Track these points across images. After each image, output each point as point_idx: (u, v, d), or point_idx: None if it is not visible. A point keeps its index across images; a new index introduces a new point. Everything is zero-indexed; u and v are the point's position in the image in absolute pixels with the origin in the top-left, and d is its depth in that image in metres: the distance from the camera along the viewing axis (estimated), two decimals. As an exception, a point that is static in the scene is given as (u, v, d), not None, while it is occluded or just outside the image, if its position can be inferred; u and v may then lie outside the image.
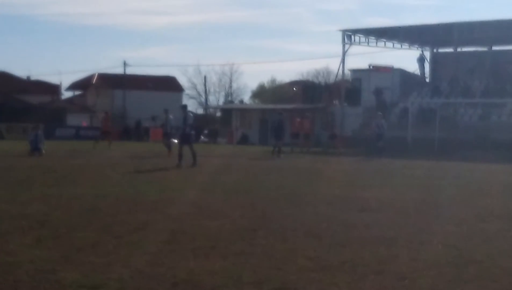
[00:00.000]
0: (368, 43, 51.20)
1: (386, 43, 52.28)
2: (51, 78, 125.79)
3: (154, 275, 6.88)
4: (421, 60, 52.61)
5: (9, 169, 20.13)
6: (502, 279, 7.16)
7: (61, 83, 76.38)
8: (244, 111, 61.59)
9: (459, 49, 51.21)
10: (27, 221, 10.01)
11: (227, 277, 6.86)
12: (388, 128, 43.70)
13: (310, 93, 56.71)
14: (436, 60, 52.86)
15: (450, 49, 52.42)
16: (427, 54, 53.50)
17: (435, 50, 53.56)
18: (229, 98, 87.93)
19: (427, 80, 53.04)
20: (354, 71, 54.26)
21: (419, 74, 53.13)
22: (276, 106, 59.61)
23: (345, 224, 10.56)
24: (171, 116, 30.55)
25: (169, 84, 76.41)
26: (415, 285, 6.82)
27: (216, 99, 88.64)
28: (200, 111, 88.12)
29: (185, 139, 22.34)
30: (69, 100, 75.97)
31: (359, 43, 50.58)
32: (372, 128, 34.84)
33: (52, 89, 71.80)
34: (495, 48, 50.95)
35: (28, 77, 73.97)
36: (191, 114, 23.39)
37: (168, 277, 6.82)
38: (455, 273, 7.37)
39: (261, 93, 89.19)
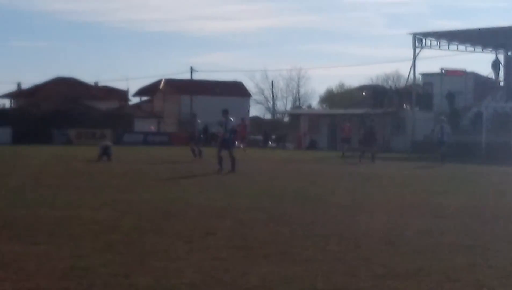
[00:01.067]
0: (439, 47, 50.33)
1: (458, 46, 51.31)
2: (118, 84, 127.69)
3: (226, 281, 6.82)
4: (495, 64, 51.44)
5: (79, 175, 20.42)
6: None
7: (128, 89, 77.35)
8: (312, 116, 61.34)
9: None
10: (98, 226, 10.10)
11: (301, 284, 6.76)
12: (461, 133, 42.95)
13: (379, 97, 56.04)
14: (510, 63, 51.60)
15: (525, 52, 51.15)
16: (501, 57, 52.28)
17: (509, 53, 52.30)
18: (297, 103, 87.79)
19: (502, 83, 51.83)
20: (425, 75, 53.43)
21: (493, 77, 51.98)
22: (346, 111, 59.15)
23: (420, 230, 10.33)
24: (199, 121, 30.70)
25: (236, 90, 76.69)
26: (494, 294, 6.60)
27: (284, 104, 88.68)
28: (268, 116, 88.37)
29: (225, 144, 22.20)
30: (137, 106, 76.93)
31: (430, 46, 49.75)
32: (435, 133, 34.20)
33: (120, 95, 72.75)
34: None
35: (96, 83, 75.11)
36: (232, 119, 23.35)
37: (240, 283, 6.75)
38: (536, 282, 7.11)
39: (329, 98, 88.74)
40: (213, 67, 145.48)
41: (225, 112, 23.43)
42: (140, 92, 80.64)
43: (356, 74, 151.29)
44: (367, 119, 39.82)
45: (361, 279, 7.03)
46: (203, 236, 9.42)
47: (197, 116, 31.38)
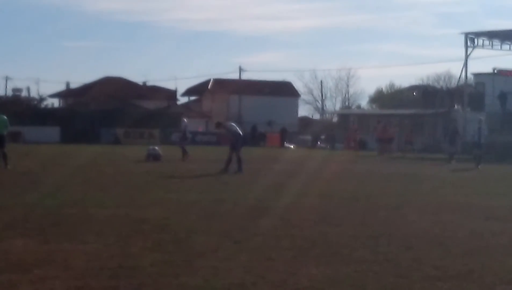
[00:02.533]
0: (492, 46, 49.57)
1: (511, 46, 50.46)
2: (167, 84, 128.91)
3: (276, 281, 6.78)
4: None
5: (128, 174, 20.58)
6: None
7: (176, 89, 77.86)
8: (361, 116, 60.98)
9: None
10: (147, 225, 10.14)
11: (351, 285, 6.70)
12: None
13: (430, 98, 55.42)
14: None
15: None
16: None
17: (563, 53, 51.25)
18: (346, 103, 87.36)
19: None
20: (477, 75, 52.67)
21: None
22: (396, 111, 58.65)
23: (471, 232, 10.19)
24: (185, 120, 30.92)
25: (285, 89, 76.61)
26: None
27: (333, 104, 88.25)
28: (316, 116, 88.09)
29: (233, 146, 22.26)
30: (185, 106, 77.33)
31: (483, 46, 49.05)
32: (472, 136, 33.36)
33: (168, 94, 73.21)
34: None
35: (145, 83, 75.73)
36: (233, 124, 23.84)
37: (290, 283, 6.71)
38: None
39: (379, 98, 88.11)
40: (262, 67, 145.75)
41: (219, 124, 24.77)
42: (189, 92, 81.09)
43: (407, 74, 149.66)
44: (451, 120, 39.63)
45: (412, 281, 6.95)
46: (251, 236, 9.40)
47: (184, 115, 31.75)
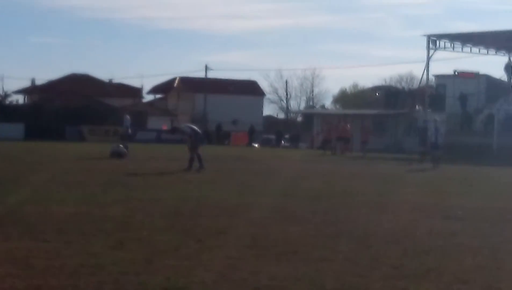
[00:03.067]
0: (453, 49, 50.22)
1: (472, 48, 51.19)
2: (133, 82, 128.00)
3: (236, 280, 6.84)
4: (508, 67, 51.32)
5: (91, 172, 20.48)
6: None
7: (142, 87, 77.57)
8: (325, 116, 61.31)
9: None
10: (110, 223, 10.13)
11: (310, 284, 6.78)
12: (473, 135, 42.86)
13: (392, 98, 55.99)
14: (523, 66, 51.43)
15: (538, 55, 51.03)
16: (515, 60, 52.13)
17: (523, 56, 52.11)
18: (311, 103, 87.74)
19: (515, 86, 51.65)
20: (439, 77, 53.31)
21: (505, 80, 51.84)
22: (359, 111, 59.10)
23: (430, 231, 10.35)
24: (127, 116, 30.85)
25: (250, 88, 76.78)
26: (502, 295, 6.61)
27: (298, 104, 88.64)
28: (281, 115, 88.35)
29: (194, 144, 22.43)
30: (151, 104, 77.06)
31: (444, 48, 49.66)
32: (428, 136, 32.56)
33: (134, 92, 72.96)
34: None
35: (110, 80, 75.34)
36: (188, 125, 24.49)
37: (250, 282, 6.77)
38: (544, 284, 7.12)
39: (342, 98, 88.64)
40: (228, 66, 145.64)
41: (174, 129, 26.45)
42: (155, 90, 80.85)
43: (370, 75, 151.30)
44: (422, 119, 39.90)
45: (371, 280, 7.04)
46: (214, 234, 9.45)
47: (126, 113, 31.59)
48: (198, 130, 23.06)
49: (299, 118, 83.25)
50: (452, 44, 50.04)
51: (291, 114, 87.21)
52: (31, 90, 72.47)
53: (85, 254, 7.82)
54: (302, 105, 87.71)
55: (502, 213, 12.97)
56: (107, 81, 74.90)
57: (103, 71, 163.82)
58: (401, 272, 7.46)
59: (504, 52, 52.13)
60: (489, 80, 50.88)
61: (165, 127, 59.88)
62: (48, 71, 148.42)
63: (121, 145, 29.08)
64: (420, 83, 54.49)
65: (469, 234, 10.21)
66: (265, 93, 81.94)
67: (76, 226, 9.74)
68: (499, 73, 52.95)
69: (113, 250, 8.11)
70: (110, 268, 7.15)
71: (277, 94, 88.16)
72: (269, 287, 6.60)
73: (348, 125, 42.93)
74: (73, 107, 56.58)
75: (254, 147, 53.83)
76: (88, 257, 7.63)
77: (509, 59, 51.94)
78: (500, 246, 9.29)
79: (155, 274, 6.94)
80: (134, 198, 13.46)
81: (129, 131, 31.19)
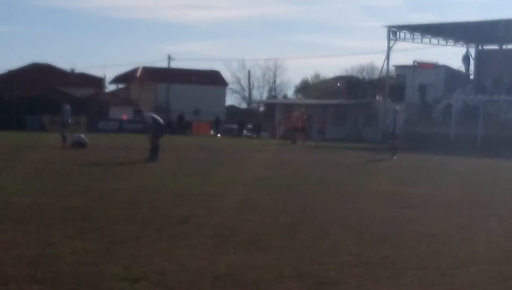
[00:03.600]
0: (413, 40, 50.81)
1: (431, 39, 51.80)
2: (95, 71, 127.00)
3: (195, 269, 6.89)
4: (465, 58, 52.09)
5: (52, 162, 20.30)
6: (545, 277, 7.07)
7: (105, 76, 76.88)
8: (287, 106, 61.52)
9: (504, 47, 50.74)
10: (69, 213, 10.08)
11: (268, 272, 6.85)
12: (431, 124, 43.41)
13: (353, 88, 56.42)
14: (481, 57, 52.28)
15: (495, 46, 51.85)
16: (472, 51, 52.90)
17: (480, 47, 52.92)
18: (273, 93, 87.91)
19: (471, 77, 52.47)
20: (399, 67, 53.91)
21: (463, 71, 52.61)
22: (321, 101, 59.45)
23: (387, 220, 10.50)
24: (67, 106, 30.71)
25: (213, 79, 76.59)
26: (456, 281, 6.77)
27: (260, 94, 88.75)
28: (244, 105, 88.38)
29: (156, 135, 22.47)
30: (113, 93, 76.49)
31: (404, 39, 50.23)
32: (386, 126, 33.63)
33: (96, 82, 72.23)
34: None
35: (72, 70, 74.55)
36: (150, 114, 23.75)
37: (209, 271, 6.83)
38: (496, 270, 7.32)
39: (304, 88, 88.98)
40: (191, 56, 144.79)
41: (138, 111, 24.26)
42: (117, 80, 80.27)
43: (332, 65, 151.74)
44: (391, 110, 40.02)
45: (328, 267, 7.15)
46: (174, 224, 9.49)
47: (65, 102, 31.27)
48: (160, 120, 23.01)
49: (262, 108, 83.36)
50: (412, 35, 50.61)
51: (254, 104, 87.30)
52: (-10, 80, 71.33)
53: (43, 244, 7.80)
54: (265, 95, 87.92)
55: (458, 201, 13.23)
56: (69, 70, 74.14)
57: (65, 61, 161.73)
58: (358, 259, 7.58)
59: (462, 43, 52.88)
60: (447, 71, 51.63)
61: (125, 116, 59.58)
62: (8, 61, 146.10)
63: (82, 135, 28.92)
64: (380, 73, 54.97)
65: (425, 222, 10.40)
66: (228, 83, 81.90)
67: (34, 216, 9.68)
68: (457, 64, 53.80)
69: (72, 240, 8.10)
70: (68, 258, 7.15)
71: (239, 84, 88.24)
72: (227, 276, 6.65)
73: (305, 115, 43.17)
74: (33, 97, 55.91)
75: (217, 137, 53.84)
76: (47, 247, 7.62)
77: (467, 50, 52.70)
78: (455, 233, 9.47)
79: (113, 264, 6.95)
80: (94, 188, 13.41)
81: (69, 121, 30.78)
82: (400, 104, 48.60)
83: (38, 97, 55.75)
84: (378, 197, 13.47)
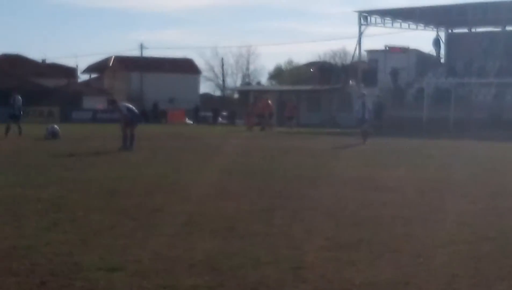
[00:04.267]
0: (384, 24, 50.99)
1: (402, 24, 52.02)
2: (67, 61, 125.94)
3: (171, 257, 6.89)
4: (436, 42, 52.44)
5: (25, 153, 20.17)
6: (517, 256, 7.17)
7: (77, 66, 76.48)
8: (261, 93, 61.50)
9: (473, 30, 51.20)
10: (43, 204, 10.02)
11: (245, 258, 6.87)
12: (404, 108, 43.67)
13: (326, 74, 56.53)
14: (451, 40, 52.65)
15: (464, 30, 52.24)
16: (442, 34, 53.26)
17: (450, 31, 53.27)
18: (247, 80, 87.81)
19: (442, 60, 52.83)
20: (371, 52, 54.11)
21: (434, 54, 52.95)
22: (294, 87, 59.51)
23: (362, 203, 10.58)
24: (19, 96, 30.49)
25: (186, 67, 76.39)
26: (430, 262, 6.84)
27: (234, 81, 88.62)
28: (218, 93, 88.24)
29: (129, 123, 22.45)
30: (86, 83, 76.00)
31: (375, 24, 50.40)
32: (355, 112, 30.45)
33: (68, 72, 71.77)
34: (508, 28, 50.62)
35: (44, 60, 74.01)
36: (124, 104, 23.73)
37: (186, 258, 6.83)
38: (469, 250, 7.40)
39: (278, 74, 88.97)
40: (164, 44, 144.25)
41: (112, 101, 26.58)
42: (89, 69, 79.78)
43: (305, 51, 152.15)
44: (374, 96, 40.13)
45: (304, 252, 7.19)
46: (149, 213, 9.48)
47: (16, 93, 30.91)
48: (135, 109, 22.93)
49: (236, 95, 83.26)
50: (383, 20, 50.80)
51: (228, 92, 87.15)
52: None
53: (17, 236, 7.74)
54: (238, 82, 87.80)
55: (431, 184, 13.35)
56: (41, 61, 73.52)
57: (36, 51, 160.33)
58: (334, 243, 7.63)
59: (432, 27, 53.17)
60: (418, 55, 51.95)
61: (100, 106, 59.25)
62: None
63: (55, 126, 28.75)
64: (353, 58, 55.09)
65: (399, 205, 10.47)
66: (201, 71, 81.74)
67: (8, 208, 9.61)
68: (428, 48, 54.10)
69: (46, 231, 8.06)
70: (43, 249, 7.11)
71: (213, 71, 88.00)
72: (204, 263, 6.65)
73: (269, 101, 43.21)
74: (5, 88, 55.32)
75: (191, 124, 53.76)
76: (21, 239, 7.57)
77: (437, 34, 53.03)
78: (429, 215, 9.56)
79: (89, 254, 6.92)
80: (69, 179, 13.33)
81: (21, 112, 30.44)
82: (373, 89, 48.92)
83: (9, 89, 55.14)
84: (352, 181, 13.54)
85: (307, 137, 32.93)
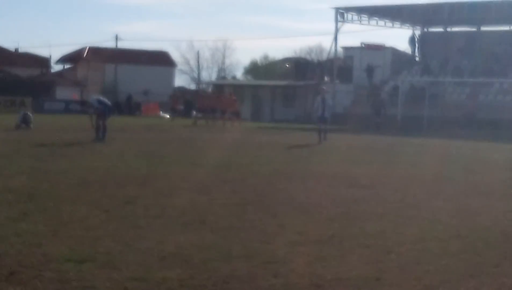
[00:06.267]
0: (360, 21, 51.13)
1: (378, 21, 52.21)
2: (40, 51, 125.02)
3: (142, 249, 6.85)
4: (412, 40, 52.73)
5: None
6: (485, 253, 7.23)
7: (50, 56, 75.68)
8: (236, 87, 61.45)
9: (449, 29, 51.56)
10: (13, 194, 9.92)
11: (216, 251, 6.85)
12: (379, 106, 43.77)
13: (302, 70, 56.59)
14: (426, 39, 52.95)
15: (440, 29, 52.59)
16: (418, 33, 53.55)
17: (425, 29, 53.60)
18: (222, 74, 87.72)
19: (418, 59, 53.14)
20: (347, 49, 54.22)
21: (410, 53, 53.24)
22: (269, 82, 59.52)
23: (335, 199, 10.59)
24: None
25: (161, 59, 75.99)
26: (401, 258, 6.86)
27: (209, 75, 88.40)
28: (193, 86, 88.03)
29: (102, 116, 22.41)
30: (59, 74, 75.35)
31: (352, 21, 50.50)
32: (315, 108, 27.88)
33: (41, 62, 71.11)
34: (483, 28, 51.06)
35: (16, 49, 73.18)
36: (99, 98, 23.48)
37: (157, 251, 6.80)
38: (440, 247, 7.43)
39: (253, 69, 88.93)
40: (139, 36, 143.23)
41: (84, 103, 24.54)
42: (63, 60, 79.00)
43: (281, 47, 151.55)
44: (375, 94, 40.26)
45: (276, 246, 7.18)
46: (121, 204, 9.43)
47: None
48: (107, 101, 22.84)
49: (211, 89, 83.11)
50: (359, 17, 50.92)
51: (203, 85, 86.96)
52: None
53: (-13, 226, 7.67)
54: (214, 76, 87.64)
55: (404, 181, 13.41)
56: (13, 50, 72.78)
57: (8, 40, 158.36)
58: (306, 238, 7.64)
59: (408, 25, 53.45)
60: (394, 53, 52.20)
61: (75, 96, 58.81)
62: None
63: (28, 112, 28.72)
64: (328, 55, 55.21)
65: (372, 201, 10.51)
66: (177, 64, 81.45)
67: (-22, 198, 9.52)
68: (404, 46, 54.39)
69: (16, 221, 7.97)
70: (13, 239, 7.04)
71: (188, 65, 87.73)
72: (175, 256, 6.63)
73: (233, 97, 43.25)
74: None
75: (165, 117, 53.54)
76: (-10, 229, 7.49)
77: (413, 32, 53.31)
78: (401, 212, 9.60)
79: (59, 245, 6.86)
80: (40, 169, 13.23)
81: None
82: (348, 85, 49.11)
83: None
84: (326, 177, 13.57)
85: (282, 132, 32.93)
